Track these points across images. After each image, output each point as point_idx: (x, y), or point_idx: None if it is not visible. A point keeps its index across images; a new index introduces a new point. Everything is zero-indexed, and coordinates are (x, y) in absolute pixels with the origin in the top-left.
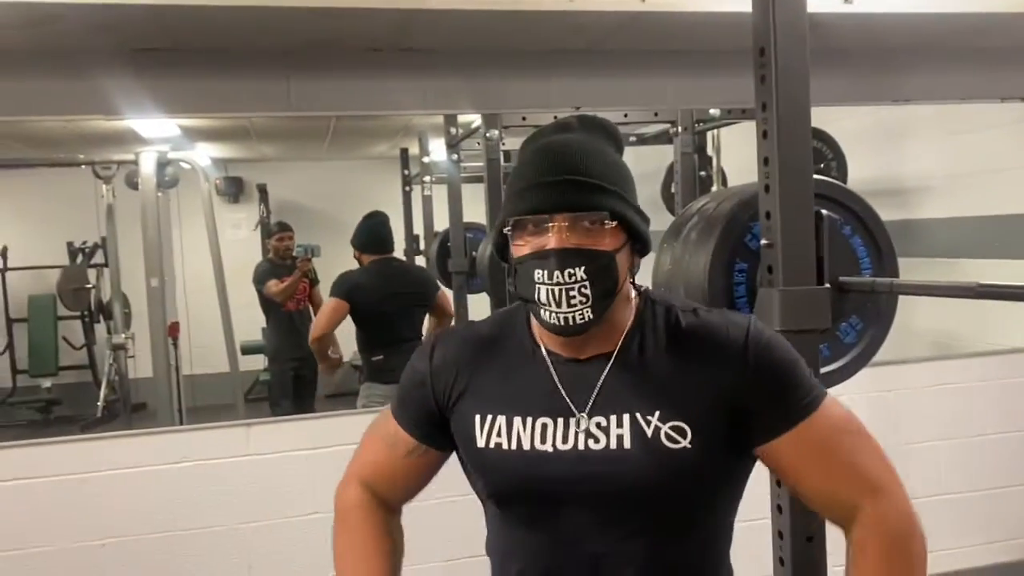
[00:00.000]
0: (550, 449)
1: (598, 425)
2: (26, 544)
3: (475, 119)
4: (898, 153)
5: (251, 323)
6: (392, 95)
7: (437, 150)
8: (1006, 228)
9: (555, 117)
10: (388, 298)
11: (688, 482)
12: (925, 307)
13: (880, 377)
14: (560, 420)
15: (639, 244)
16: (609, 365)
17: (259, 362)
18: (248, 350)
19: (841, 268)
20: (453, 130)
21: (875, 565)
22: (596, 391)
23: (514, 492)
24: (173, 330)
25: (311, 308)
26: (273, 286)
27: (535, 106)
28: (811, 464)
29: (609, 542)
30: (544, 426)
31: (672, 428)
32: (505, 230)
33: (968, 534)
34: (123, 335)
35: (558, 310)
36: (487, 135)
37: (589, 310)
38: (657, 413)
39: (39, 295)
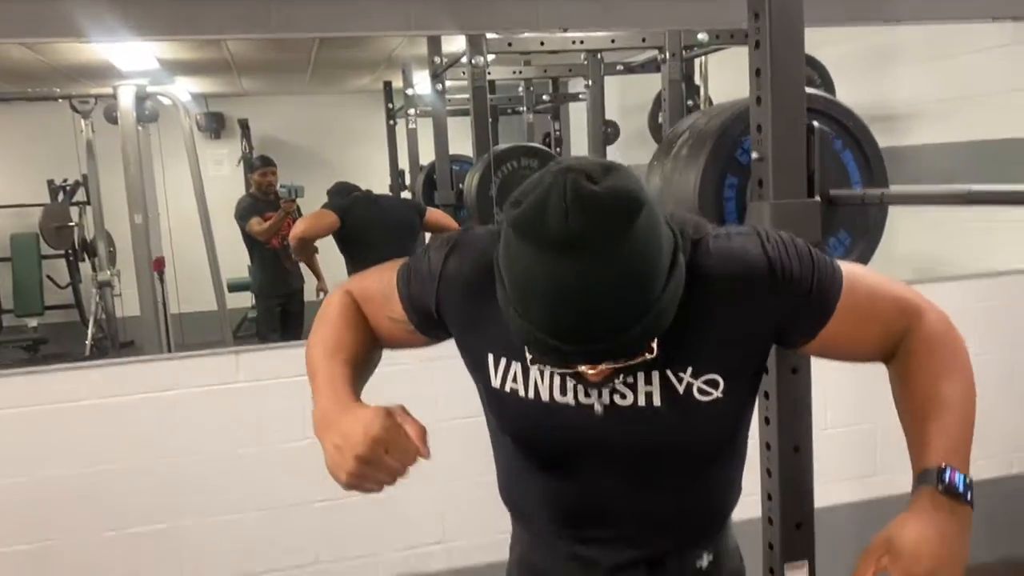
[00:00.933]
0: (571, 402)
1: (624, 381)
2: (17, 473)
3: (459, 47)
4: (887, 78)
5: (237, 260)
6: (375, 16)
7: (421, 83)
8: (997, 153)
9: (542, 44)
10: (376, 223)
11: (716, 430)
12: (908, 233)
13: None
14: (578, 381)
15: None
16: None
17: (247, 300)
18: (235, 287)
19: (831, 182)
20: (437, 59)
21: (925, 358)
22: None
23: (532, 437)
24: (158, 265)
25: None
26: (256, 224)
27: (522, 27)
28: (854, 330)
29: (630, 488)
30: (563, 378)
31: (705, 382)
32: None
33: None
34: (108, 272)
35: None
36: (472, 61)
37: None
38: (689, 369)
39: (21, 234)
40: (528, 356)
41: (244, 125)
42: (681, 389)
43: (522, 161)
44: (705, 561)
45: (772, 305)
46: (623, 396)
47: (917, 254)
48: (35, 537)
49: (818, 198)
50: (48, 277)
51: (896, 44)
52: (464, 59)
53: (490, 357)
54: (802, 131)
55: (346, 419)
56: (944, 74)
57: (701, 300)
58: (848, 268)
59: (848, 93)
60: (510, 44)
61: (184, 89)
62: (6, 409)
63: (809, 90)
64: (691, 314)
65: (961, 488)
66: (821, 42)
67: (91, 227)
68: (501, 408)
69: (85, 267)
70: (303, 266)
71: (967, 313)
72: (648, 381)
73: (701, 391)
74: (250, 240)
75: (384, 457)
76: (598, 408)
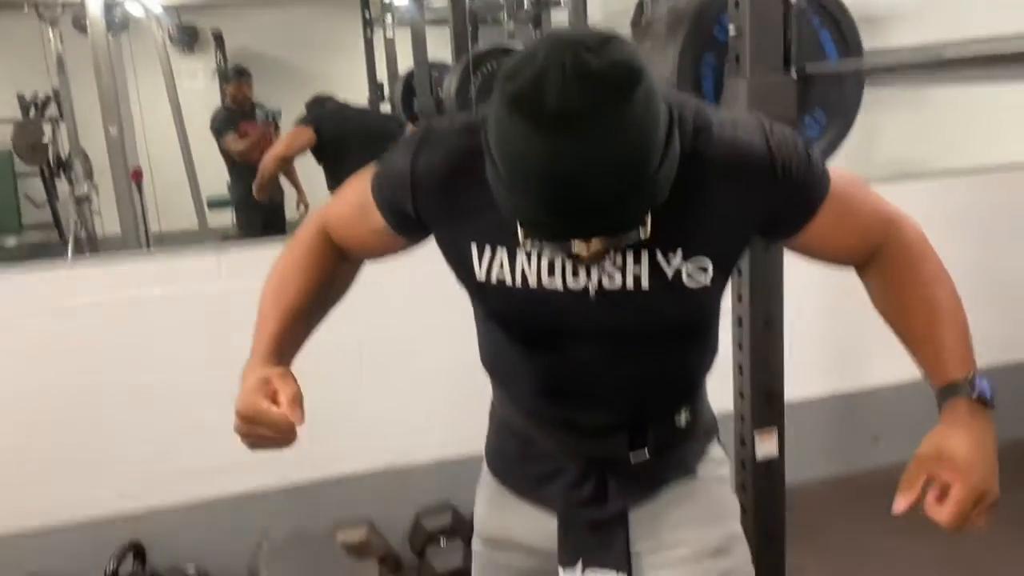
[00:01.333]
0: (559, 287)
1: (613, 263)
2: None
3: None
4: None
5: (217, 176)
6: None
7: None
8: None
9: None
10: (351, 133)
11: (701, 314)
12: (886, 132)
13: None
14: (567, 262)
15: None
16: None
17: (228, 218)
18: (215, 204)
19: (807, 58)
20: None
21: (908, 270)
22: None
23: (519, 322)
24: (136, 176)
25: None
26: (232, 142)
27: None
28: (835, 232)
29: (614, 362)
30: (551, 261)
31: (695, 266)
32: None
33: None
34: (85, 186)
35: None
36: None
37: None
38: (680, 251)
39: None
40: (520, 235)
41: (218, 37)
42: (670, 273)
43: (502, 62)
44: (683, 420)
45: (767, 195)
46: (611, 278)
47: (894, 158)
48: (27, 438)
49: (794, 74)
50: (25, 195)
51: None
52: None
53: (473, 248)
54: (778, 5)
55: (246, 381)
56: None
57: (700, 184)
58: (836, 172)
59: None
60: None
61: (155, 2)
62: None
63: None
64: (688, 197)
65: (989, 394)
66: None
67: (66, 143)
68: (487, 300)
69: (62, 186)
70: (282, 176)
71: (938, 211)
72: (637, 261)
73: (690, 276)
74: (227, 154)
75: (255, 427)
76: (592, 291)
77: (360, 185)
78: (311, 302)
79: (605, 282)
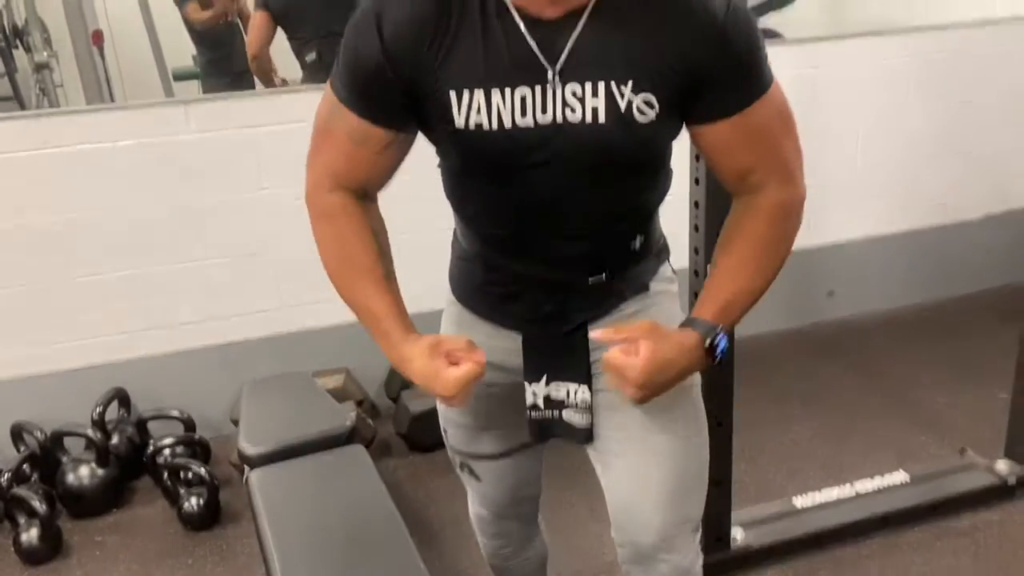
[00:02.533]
0: (531, 124)
1: (574, 94)
2: None
3: None
4: None
5: (183, 46)
6: None
7: None
8: None
9: None
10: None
11: (649, 150)
12: None
13: (805, 54)
14: (538, 88)
15: None
16: (583, 21)
17: (195, 90)
18: (180, 76)
19: None
20: None
21: (763, 224)
22: (568, 50)
23: (492, 160)
24: (97, 37)
25: (240, 22)
26: (194, 11)
27: None
28: (742, 145)
29: (573, 193)
30: (523, 98)
31: (643, 101)
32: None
33: (878, 204)
34: (45, 53)
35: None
36: None
37: None
38: (630, 83)
39: None
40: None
41: None
42: (623, 106)
43: None
44: (638, 244)
45: (712, 51)
46: (573, 111)
47: (869, 15)
48: (10, 282)
49: None
50: None
51: None
52: None
53: (452, 95)
54: None
55: (411, 369)
56: None
57: (653, 18)
58: (779, 94)
59: None
60: None
61: None
62: None
63: None
64: (640, 27)
65: (718, 352)
66: None
67: (20, 11)
68: (462, 147)
69: (20, 57)
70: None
71: (908, 66)
72: (595, 93)
73: (640, 110)
74: (191, 23)
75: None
76: (558, 120)
77: (334, 119)
78: (383, 258)
79: (568, 115)
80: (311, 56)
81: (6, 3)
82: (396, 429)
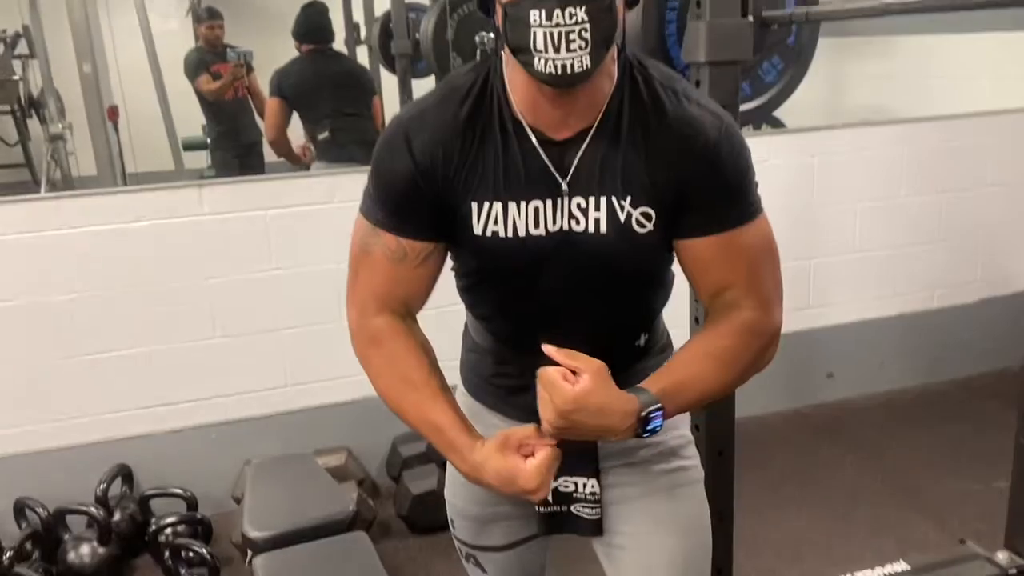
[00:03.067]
0: (543, 233)
1: (579, 206)
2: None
3: None
4: None
5: (193, 117)
6: None
7: None
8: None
9: None
10: (323, 86)
11: (649, 259)
12: (858, 82)
13: (804, 142)
14: (550, 200)
15: None
16: (587, 141)
17: (203, 159)
18: (190, 146)
19: (765, 4)
20: None
21: (730, 336)
22: (574, 167)
23: (506, 265)
24: (112, 114)
25: (250, 97)
26: (205, 83)
27: None
28: (722, 265)
29: (581, 299)
30: (536, 209)
31: (641, 214)
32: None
33: (876, 287)
34: (60, 125)
35: (555, 56)
36: None
37: (588, 57)
38: (629, 198)
39: None
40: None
41: None
42: (622, 218)
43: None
44: (642, 340)
45: (704, 172)
46: (578, 221)
47: (865, 106)
48: (16, 357)
49: (751, 18)
50: None
51: None
52: None
53: (473, 206)
54: None
55: (487, 472)
56: None
57: (652, 140)
58: (765, 226)
59: None
60: None
61: None
62: None
63: None
64: (639, 148)
65: (647, 428)
66: None
67: (37, 81)
68: (479, 252)
69: (34, 125)
70: (257, 116)
71: (900, 156)
72: (597, 207)
73: (638, 222)
74: (201, 95)
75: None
76: (564, 228)
77: (369, 243)
78: (435, 371)
79: (574, 226)
80: (324, 135)
81: (23, 73)
82: (397, 511)
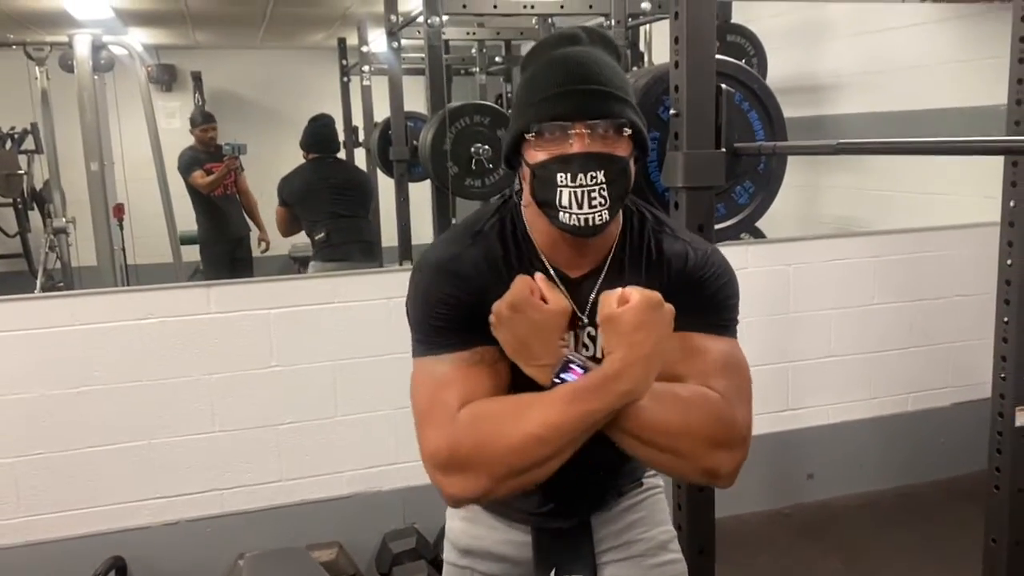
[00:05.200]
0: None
1: (588, 335)
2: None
3: (415, 5)
4: (815, 51)
5: (187, 214)
6: None
7: (376, 40)
8: (910, 122)
9: (494, 7)
10: (322, 190)
11: None
12: (833, 197)
13: (781, 252)
14: (572, 332)
15: (641, 153)
16: (600, 279)
17: (197, 253)
18: (185, 240)
19: (738, 136)
20: (393, 17)
21: (689, 394)
22: (589, 305)
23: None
24: (118, 211)
25: (239, 195)
26: (199, 178)
27: None
28: (700, 358)
29: None
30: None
31: None
32: (528, 136)
33: (852, 391)
34: (64, 219)
35: (579, 211)
36: (428, 21)
37: (607, 212)
38: None
39: None
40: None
41: (197, 78)
42: None
43: (475, 118)
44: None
45: (692, 291)
46: (587, 348)
47: (840, 217)
48: (26, 449)
49: (724, 149)
50: None
51: (824, 19)
52: (420, 19)
53: None
54: (711, 91)
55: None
56: (866, 48)
57: (650, 272)
58: (741, 352)
59: (779, 64)
60: (464, 6)
61: (136, 40)
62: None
63: (721, 57)
64: (639, 274)
65: (558, 373)
66: (756, 16)
67: (40, 176)
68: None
69: (34, 218)
70: (246, 214)
71: (871, 265)
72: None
73: None
74: (194, 191)
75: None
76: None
77: (437, 378)
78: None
79: (583, 351)
80: (320, 235)
81: (27, 168)
82: None
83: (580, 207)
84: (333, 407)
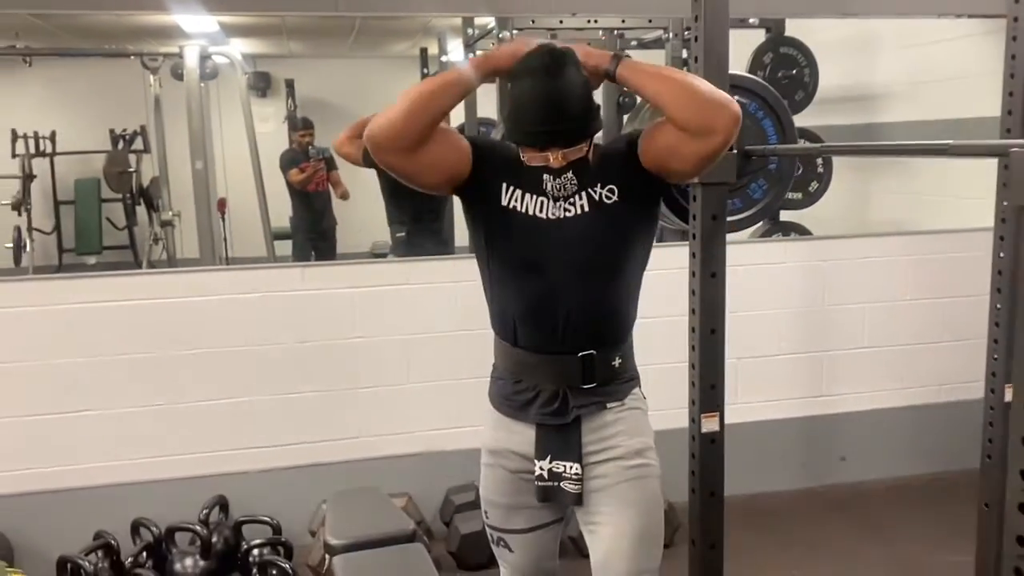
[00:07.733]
0: (545, 216)
1: (569, 202)
2: (114, 351)
3: (490, 21)
4: (865, 63)
5: (278, 212)
6: None
7: (454, 50)
8: (958, 130)
9: (560, 22)
10: (410, 193)
11: (617, 226)
12: (884, 201)
13: (817, 249)
14: (550, 200)
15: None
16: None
17: (288, 248)
18: (278, 235)
19: (748, 141)
20: (470, 31)
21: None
22: (569, 186)
23: (518, 242)
24: (221, 205)
25: (331, 189)
26: (295, 174)
27: (541, 11)
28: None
29: (573, 283)
30: (541, 202)
31: (607, 190)
32: (519, 151)
33: (885, 380)
34: (171, 212)
35: (556, 196)
36: (500, 36)
37: (576, 194)
38: (598, 185)
39: (85, 179)
40: (523, 159)
41: (290, 85)
42: (597, 197)
43: None
44: (617, 362)
45: (629, 151)
46: (568, 210)
47: (887, 219)
48: (148, 401)
49: (735, 151)
50: (107, 219)
51: (873, 32)
52: (494, 32)
53: (503, 185)
54: None
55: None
56: (913, 60)
57: (612, 152)
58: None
59: (831, 74)
60: (532, 21)
61: (236, 50)
62: (111, 302)
63: (738, 73)
64: (601, 160)
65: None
66: (809, 30)
67: (148, 173)
68: (504, 224)
69: (140, 212)
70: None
71: (903, 263)
72: (580, 198)
73: (606, 197)
74: (291, 186)
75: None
76: (561, 214)
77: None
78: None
79: (566, 213)
80: (401, 234)
81: (136, 166)
82: (447, 548)
83: (556, 200)
84: (405, 375)
